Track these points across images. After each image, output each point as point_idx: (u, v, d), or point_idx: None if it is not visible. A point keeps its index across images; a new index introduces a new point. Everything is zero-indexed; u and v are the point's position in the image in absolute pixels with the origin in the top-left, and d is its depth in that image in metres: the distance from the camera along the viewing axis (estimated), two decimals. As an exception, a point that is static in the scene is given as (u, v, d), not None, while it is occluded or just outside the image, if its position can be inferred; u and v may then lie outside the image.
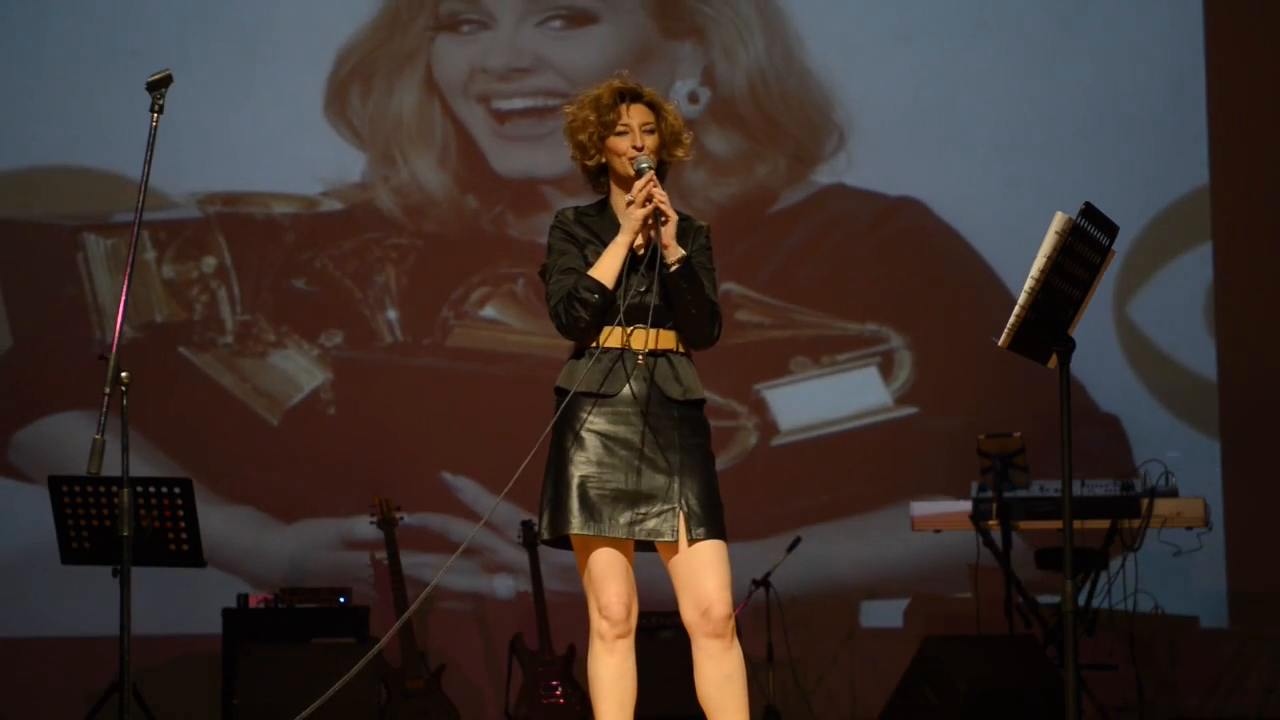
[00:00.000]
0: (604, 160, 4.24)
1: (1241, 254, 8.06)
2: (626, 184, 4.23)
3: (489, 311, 8.12)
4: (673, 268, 4.13)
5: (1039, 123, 8.04)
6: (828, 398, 8.06)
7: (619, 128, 4.20)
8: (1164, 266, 7.96)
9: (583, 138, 4.22)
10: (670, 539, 4.14)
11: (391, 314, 8.14)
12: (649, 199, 4.11)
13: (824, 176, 8.13)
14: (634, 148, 4.18)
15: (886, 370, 8.08)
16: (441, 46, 8.15)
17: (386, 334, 8.13)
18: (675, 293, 4.14)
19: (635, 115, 4.22)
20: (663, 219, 4.11)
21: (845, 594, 7.97)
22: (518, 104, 8.11)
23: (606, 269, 4.16)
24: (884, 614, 8.03)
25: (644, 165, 4.17)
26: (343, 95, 8.12)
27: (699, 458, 4.20)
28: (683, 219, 4.27)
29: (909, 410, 8.07)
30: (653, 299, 4.17)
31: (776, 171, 8.07)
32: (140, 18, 8.03)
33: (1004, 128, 8.05)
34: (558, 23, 8.13)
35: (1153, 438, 7.85)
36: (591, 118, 4.21)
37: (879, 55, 8.08)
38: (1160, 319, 8.01)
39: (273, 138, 8.06)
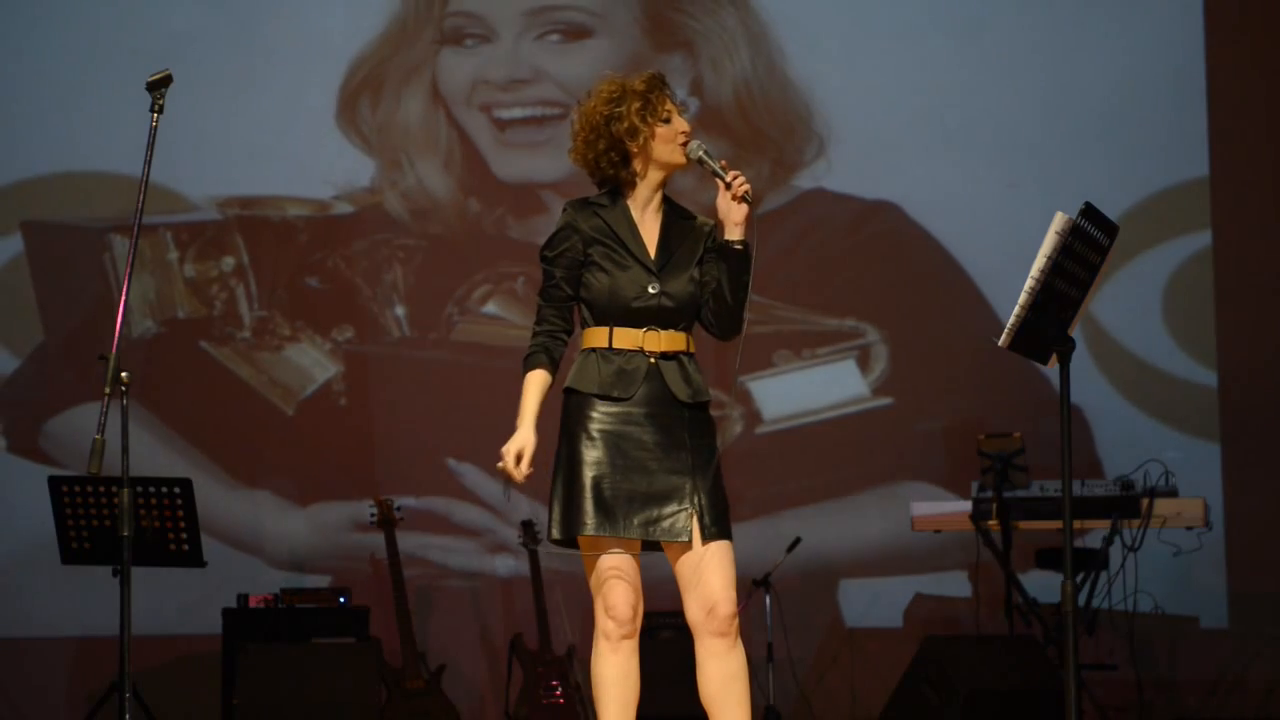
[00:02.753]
0: (642, 148, 4.21)
1: (1241, 249, 8.08)
2: (663, 170, 4.24)
3: (490, 308, 8.26)
4: (739, 247, 4.16)
5: (1009, 127, 8.16)
6: (808, 389, 8.23)
7: (664, 114, 4.21)
8: (1127, 264, 8.04)
9: (632, 123, 4.17)
10: (685, 539, 4.14)
11: (399, 310, 8.28)
12: (744, 192, 4.16)
13: (805, 181, 8.27)
14: (683, 133, 4.20)
15: (863, 363, 8.23)
16: (446, 59, 8.32)
17: (394, 329, 8.28)
18: (734, 274, 4.17)
19: (673, 106, 4.25)
20: (748, 198, 4.16)
21: (826, 571, 8.05)
22: (517, 113, 8.29)
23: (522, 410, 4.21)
24: (884, 614, 8.05)
25: (699, 153, 4.18)
26: (353, 105, 8.31)
27: (708, 458, 4.20)
28: (687, 217, 4.28)
29: (884, 400, 8.19)
30: (666, 300, 4.19)
31: (760, 176, 8.20)
32: (165, 31, 8.18)
33: (975, 132, 8.18)
34: (555, 36, 8.29)
35: (1121, 434, 7.96)
36: (638, 105, 4.19)
37: (857, 65, 8.23)
38: (1127, 313, 8.10)
39: (288, 145, 8.28)
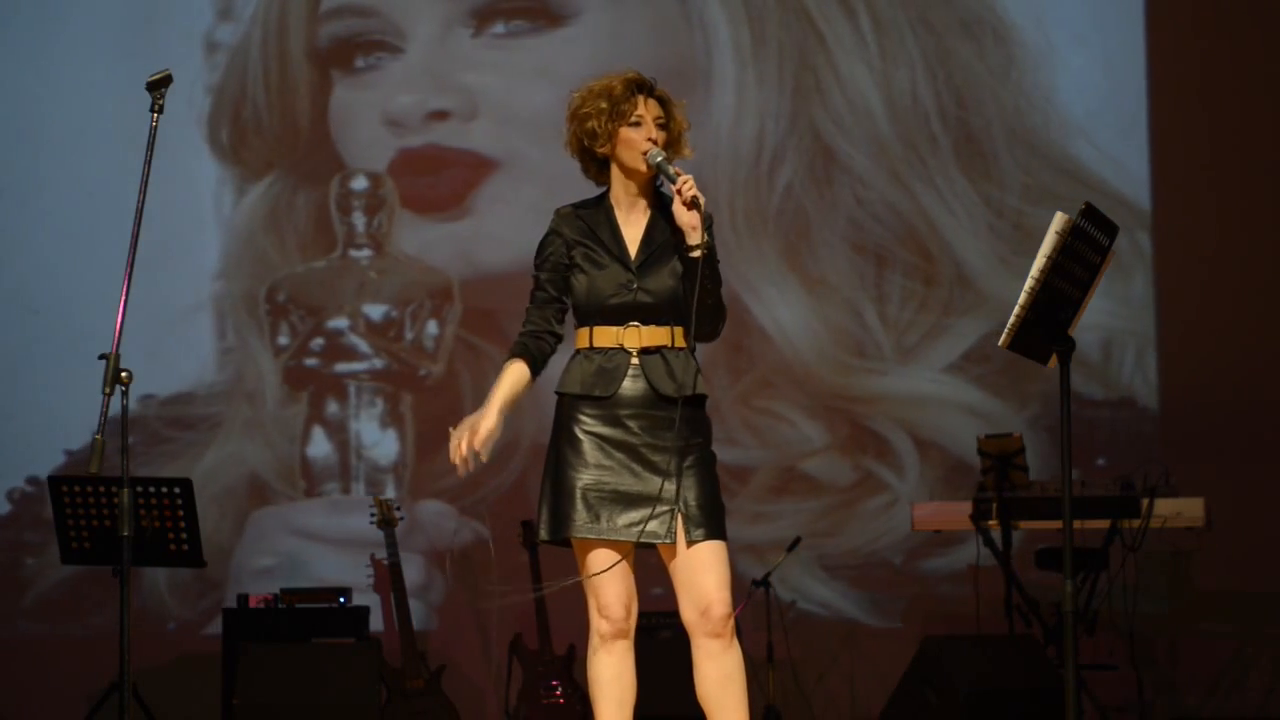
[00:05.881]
0: (610, 151, 4.22)
1: (1242, 247, 8.11)
2: (633, 176, 4.23)
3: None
4: (696, 253, 4.11)
5: (938, 130, 8.22)
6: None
7: (634, 118, 4.18)
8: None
9: (594, 125, 4.18)
10: (668, 541, 4.14)
11: (390, 315, 8.28)
12: (693, 196, 4.10)
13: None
14: (649, 140, 4.17)
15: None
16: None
17: (388, 332, 8.28)
18: (695, 281, 4.10)
19: (650, 108, 4.20)
20: (698, 203, 4.10)
21: (826, 570, 8.08)
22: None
23: (490, 395, 4.18)
24: (884, 614, 8.05)
25: (657, 159, 4.16)
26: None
27: (698, 458, 4.19)
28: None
29: (883, 398, 8.23)
30: (644, 296, 4.18)
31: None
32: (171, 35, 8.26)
33: (938, 137, 8.22)
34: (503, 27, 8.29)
35: (1120, 434, 8.00)
36: (604, 106, 4.18)
37: (786, 75, 8.24)
38: (1125, 309, 8.16)
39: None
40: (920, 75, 8.18)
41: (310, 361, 8.21)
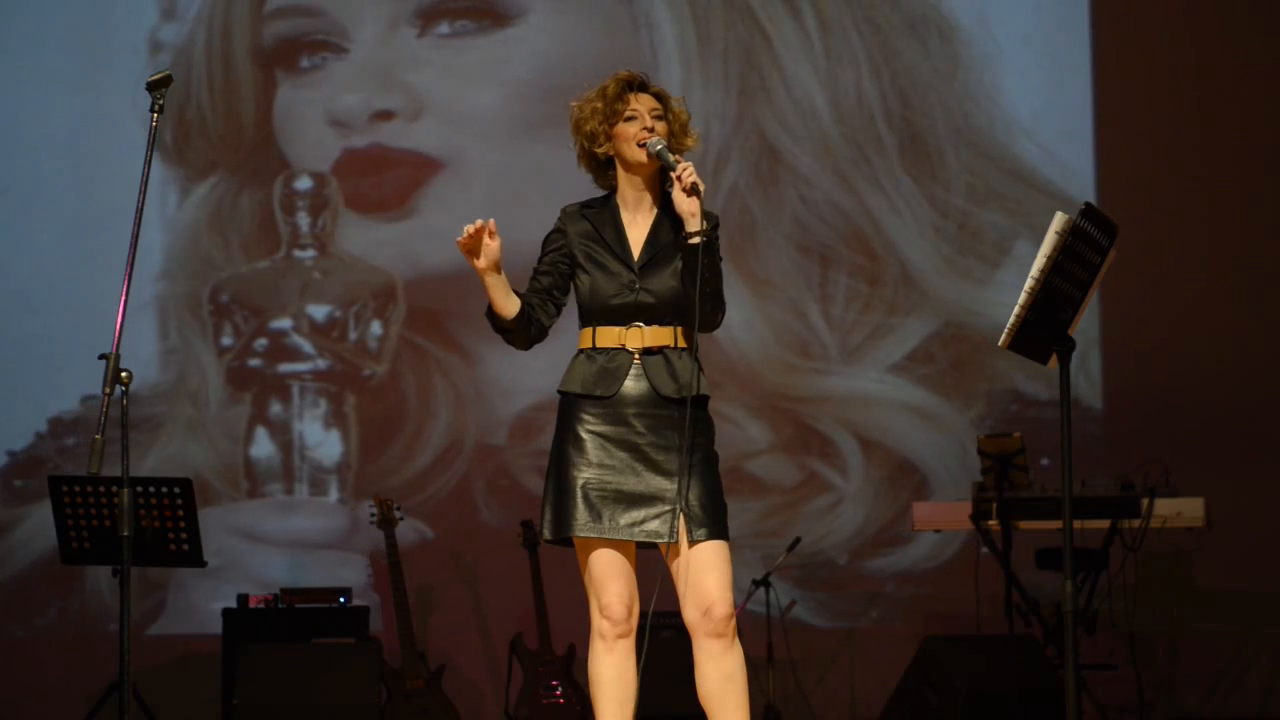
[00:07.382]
0: (611, 151, 4.25)
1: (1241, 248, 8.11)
2: (636, 171, 4.25)
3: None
4: (694, 239, 4.12)
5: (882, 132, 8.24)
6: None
7: (628, 114, 4.21)
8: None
9: (591, 126, 4.23)
10: (671, 540, 4.14)
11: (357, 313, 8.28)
12: (692, 183, 4.11)
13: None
14: (645, 129, 4.19)
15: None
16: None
17: (387, 332, 8.25)
18: (691, 268, 4.11)
19: (643, 102, 4.24)
20: (698, 190, 4.11)
21: (826, 570, 8.08)
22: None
23: (492, 302, 4.19)
24: (884, 614, 8.05)
25: (657, 147, 4.17)
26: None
27: (700, 458, 4.19)
28: None
29: (883, 398, 8.23)
30: (646, 296, 4.18)
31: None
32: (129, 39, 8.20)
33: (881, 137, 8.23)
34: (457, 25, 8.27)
35: (1120, 433, 8.00)
36: (599, 106, 4.22)
37: (731, 75, 8.23)
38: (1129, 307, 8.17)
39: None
40: (866, 75, 8.18)
41: (254, 362, 8.19)
